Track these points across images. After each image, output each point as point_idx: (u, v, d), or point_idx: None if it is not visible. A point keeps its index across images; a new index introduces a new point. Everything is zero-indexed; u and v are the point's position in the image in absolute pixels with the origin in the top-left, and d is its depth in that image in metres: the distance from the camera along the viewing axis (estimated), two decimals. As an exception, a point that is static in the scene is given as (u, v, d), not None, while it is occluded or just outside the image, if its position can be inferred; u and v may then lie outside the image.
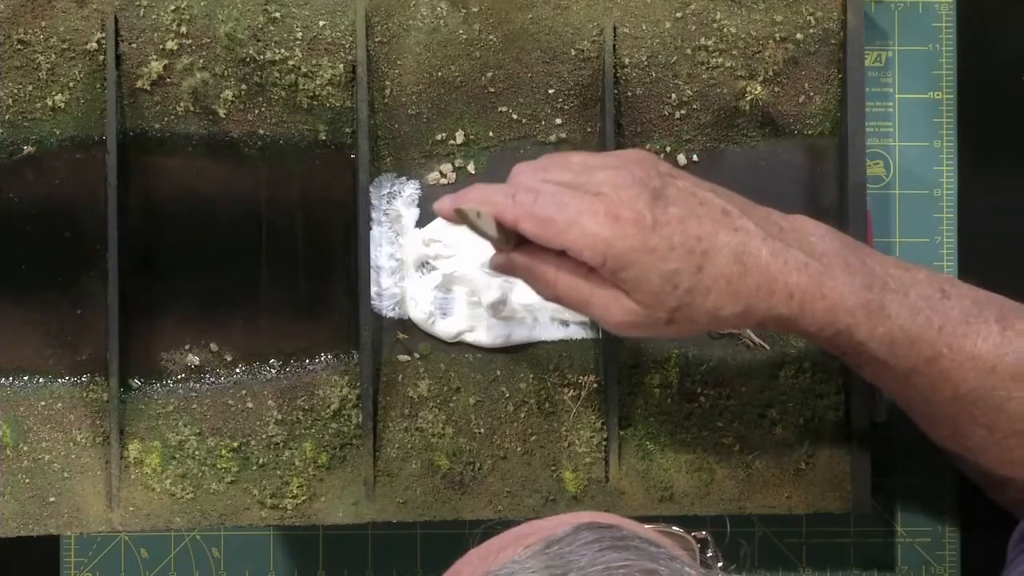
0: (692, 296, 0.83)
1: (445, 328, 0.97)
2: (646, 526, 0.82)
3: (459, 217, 0.85)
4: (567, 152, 0.90)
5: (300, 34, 0.96)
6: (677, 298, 0.83)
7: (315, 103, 0.96)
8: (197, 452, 0.95)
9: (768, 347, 0.97)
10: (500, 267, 0.87)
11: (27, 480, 0.95)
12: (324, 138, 0.97)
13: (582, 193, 0.83)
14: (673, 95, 0.97)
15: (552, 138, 0.97)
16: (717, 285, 0.83)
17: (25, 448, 0.95)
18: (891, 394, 0.92)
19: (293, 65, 0.96)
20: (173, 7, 0.95)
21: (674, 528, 0.83)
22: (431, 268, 0.97)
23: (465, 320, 0.97)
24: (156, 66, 0.95)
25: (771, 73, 0.97)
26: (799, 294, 0.84)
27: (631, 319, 0.84)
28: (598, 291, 0.84)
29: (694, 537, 0.83)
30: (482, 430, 0.96)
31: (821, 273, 0.84)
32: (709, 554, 0.84)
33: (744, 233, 0.84)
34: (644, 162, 0.85)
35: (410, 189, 0.98)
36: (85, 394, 0.96)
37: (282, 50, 0.96)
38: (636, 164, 0.84)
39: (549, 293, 0.86)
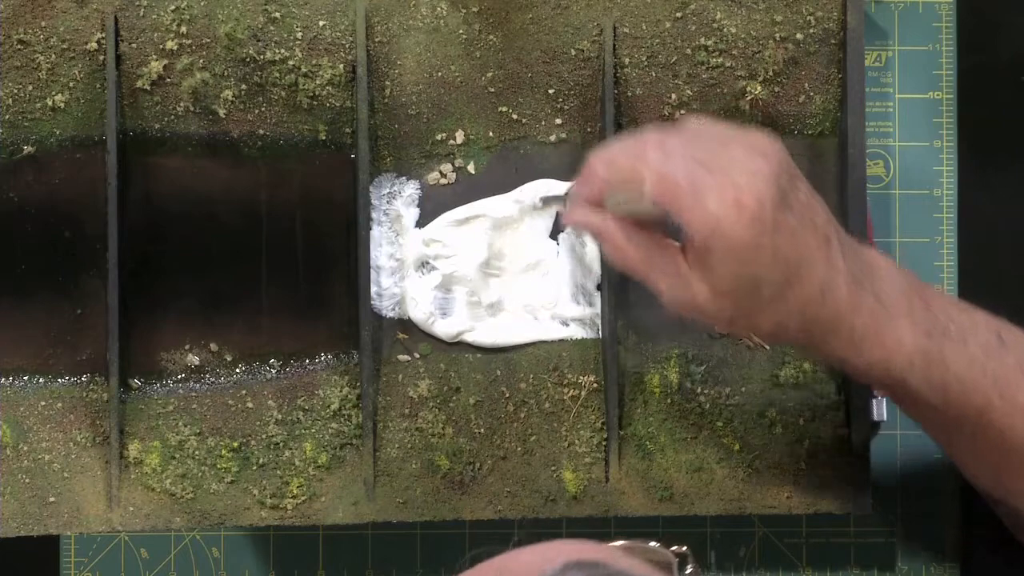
0: (767, 307, 0.82)
1: (445, 328, 0.97)
2: (619, 541, 0.82)
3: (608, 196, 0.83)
4: (702, 120, 0.86)
5: (300, 34, 0.96)
6: (753, 303, 0.82)
7: (315, 103, 0.96)
8: (197, 452, 0.95)
9: (768, 347, 0.97)
10: (580, 222, 0.85)
11: (27, 480, 0.95)
12: (324, 138, 0.97)
13: (712, 169, 0.80)
14: (673, 95, 0.97)
15: (552, 138, 0.97)
16: (794, 307, 0.82)
17: (25, 448, 0.95)
18: (933, 435, 0.91)
19: (293, 65, 0.96)
20: (173, 7, 0.95)
21: (652, 543, 0.83)
22: (431, 268, 0.97)
23: (465, 320, 0.97)
24: (156, 66, 0.95)
25: (771, 73, 0.97)
26: (859, 337, 0.83)
27: (694, 302, 0.82)
28: (669, 261, 0.82)
29: (672, 552, 0.82)
30: (482, 430, 0.96)
31: (886, 320, 0.83)
32: (688, 570, 0.84)
33: (835, 269, 0.82)
34: (778, 155, 0.82)
35: (410, 189, 0.98)
36: (85, 394, 0.96)
37: (282, 50, 0.96)
38: (770, 155, 0.81)
39: (618, 253, 0.84)
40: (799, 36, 0.97)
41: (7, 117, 0.95)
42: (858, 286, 0.83)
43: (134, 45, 0.95)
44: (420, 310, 0.97)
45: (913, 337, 0.84)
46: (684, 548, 0.81)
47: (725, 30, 0.96)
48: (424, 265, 0.98)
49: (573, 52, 0.97)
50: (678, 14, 0.97)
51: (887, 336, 0.84)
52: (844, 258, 0.83)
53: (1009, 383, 0.85)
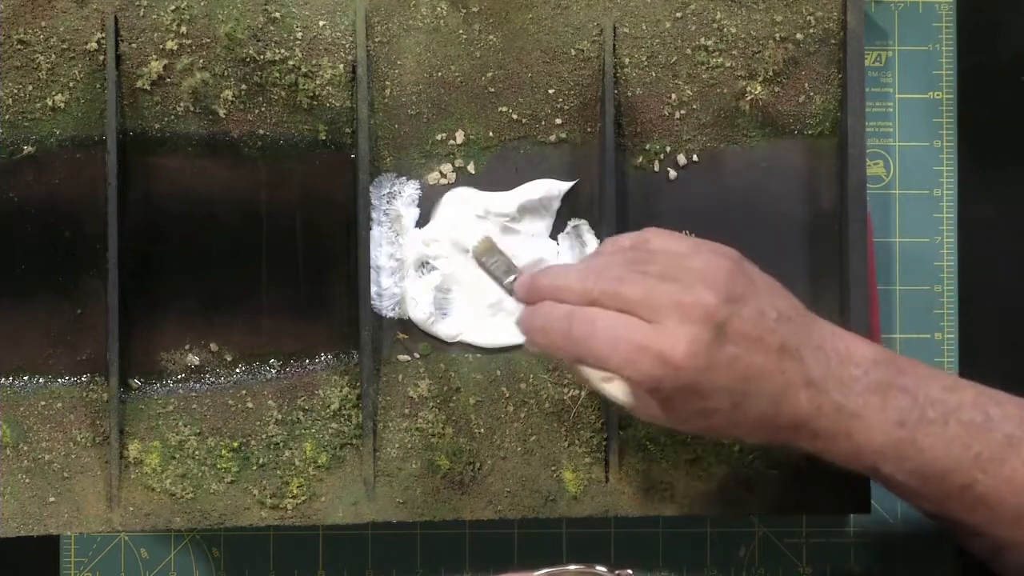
0: (719, 426, 0.84)
1: (445, 328, 0.97)
2: (572, 566, 0.83)
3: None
4: (655, 239, 0.86)
5: (300, 34, 0.96)
6: (707, 425, 0.84)
7: (315, 103, 0.96)
8: (197, 452, 0.95)
9: None
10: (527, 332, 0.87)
11: (27, 480, 0.95)
12: (324, 138, 0.97)
13: (640, 322, 0.81)
14: (673, 95, 0.97)
15: (552, 138, 0.97)
16: (747, 421, 0.83)
17: (25, 448, 0.95)
18: (926, 515, 0.91)
19: (293, 65, 0.96)
20: (173, 7, 0.95)
21: (598, 568, 0.84)
22: (431, 268, 0.97)
23: (465, 320, 0.97)
24: (156, 66, 0.95)
25: (771, 73, 0.97)
26: (824, 436, 0.84)
27: (648, 417, 0.84)
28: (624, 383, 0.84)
29: (617, 575, 0.83)
30: (482, 430, 0.96)
31: (852, 416, 0.83)
32: None
33: (789, 375, 0.82)
34: (719, 281, 0.82)
35: (410, 189, 0.98)
36: (85, 394, 0.96)
37: (282, 50, 0.96)
38: (710, 285, 0.81)
39: (570, 349, 0.84)
40: (799, 36, 0.97)
41: (7, 117, 0.95)
42: (819, 390, 0.83)
43: (134, 45, 0.95)
44: (420, 310, 0.97)
45: (883, 430, 0.84)
46: (629, 572, 0.82)
47: (725, 30, 0.96)
48: (424, 265, 0.98)
49: (573, 52, 0.97)
50: (678, 14, 0.97)
51: (854, 433, 0.84)
52: (804, 361, 0.83)
53: (993, 458, 0.84)
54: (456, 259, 0.97)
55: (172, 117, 0.96)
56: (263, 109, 0.96)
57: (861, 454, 0.84)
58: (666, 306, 0.81)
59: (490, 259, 0.93)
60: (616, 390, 0.83)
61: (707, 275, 0.82)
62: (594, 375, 0.84)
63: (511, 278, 0.90)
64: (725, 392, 0.82)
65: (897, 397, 0.84)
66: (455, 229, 0.97)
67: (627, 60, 0.97)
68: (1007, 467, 0.84)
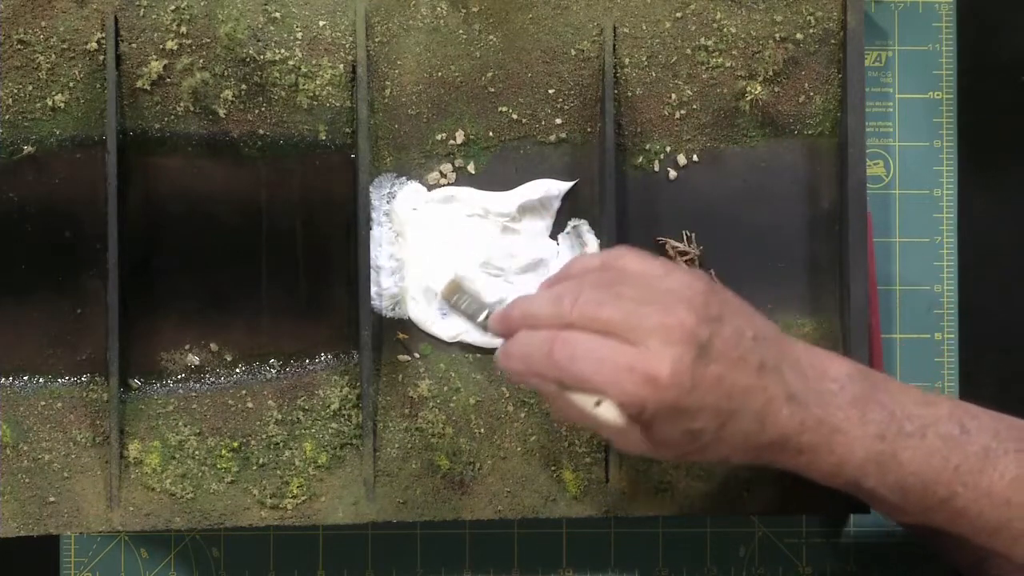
0: (706, 447, 0.83)
1: (445, 328, 0.97)
2: None
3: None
4: (626, 259, 0.85)
5: (300, 34, 0.96)
6: (693, 447, 0.83)
7: (315, 103, 0.96)
8: (197, 452, 0.95)
9: None
10: (519, 376, 0.85)
11: (27, 480, 0.95)
12: (324, 138, 0.97)
13: (622, 344, 0.81)
14: (673, 95, 0.97)
15: (552, 138, 0.97)
16: (733, 440, 0.83)
17: (25, 448, 0.95)
18: (909, 529, 0.91)
19: (293, 65, 0.96)
20: (173, 7, 0.95)
21: None
22: (431, 268, 0.97)
23: (465, 320, 0.97)
24: (156, 66, 0.95)
25: (771, 73, 0.97)
26: (808, 451, 0.84)
27: (639, 451, 0.84)
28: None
29: None
30: (482, 430, 0.96)
31: (833, 430, 0.84)
32: None
33: (771, 391, 0.83)
34: (696, 302, 0.82)
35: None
36: (85, 394, 0.96)
37: (282, 50, 0.96)
38: (688, 305, 0.81)
39: (559, 413, 0.84)
40: (799, 36, 0.97)
41: (7, 117, 0.95)
42: (800, 405, 0.83)
43: (134, 45, 0.95)
44: (420, 310, 0.97)
45: (864, 444, 0.84)
46: None
47: (725, 30, 0.97)
48: (424, 265, 0.97)
49: (573, 52, 0.97)
50: (678, 14, 0.97)
51: (836, 447, 0.84)
52: (783, 378, 0.83)
53: (972, 470, 0.85)
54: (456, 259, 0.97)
55: (172, 117, 0.96)
56: (263, 109, 0.96)
57: (843, 469, 0.85)
58: (648, 327, 0.81)
59: (460, 300, 0.93)
60: (607, 412, 0.82)
61: (684, 296, 0.82)
62: (585, 400, 0.83)
63: (483, 315, 0.90)
64: (711, 411, 0.82)
65: (875, 411, 0.85)
66: (424, 273, 0.96)
67: (627, 60, 0.97)
68: (984, 479, 0.85)
